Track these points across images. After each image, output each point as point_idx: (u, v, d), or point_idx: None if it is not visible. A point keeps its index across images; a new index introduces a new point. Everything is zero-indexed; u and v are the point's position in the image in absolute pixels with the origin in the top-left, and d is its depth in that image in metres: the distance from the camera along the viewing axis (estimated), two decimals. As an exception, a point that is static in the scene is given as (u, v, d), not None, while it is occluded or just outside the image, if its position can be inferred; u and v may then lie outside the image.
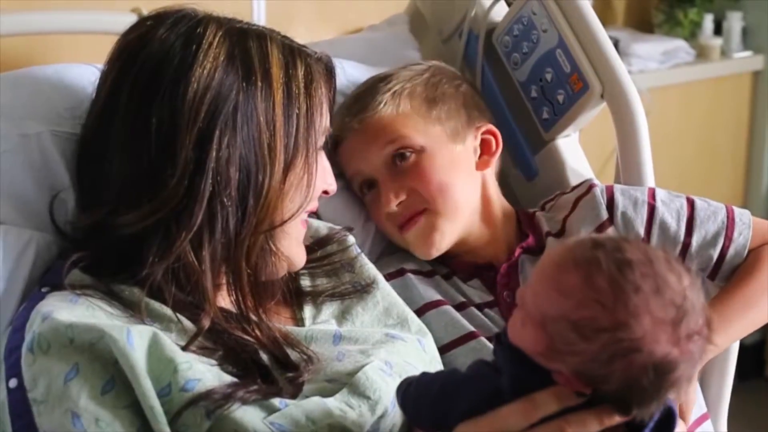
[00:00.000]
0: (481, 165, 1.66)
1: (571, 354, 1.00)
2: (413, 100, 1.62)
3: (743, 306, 1.51)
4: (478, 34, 1.87)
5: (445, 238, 1.59)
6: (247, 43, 1.26)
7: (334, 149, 1.61)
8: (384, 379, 1.23)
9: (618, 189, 1.61)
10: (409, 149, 1.58)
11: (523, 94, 1.82)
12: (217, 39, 1.24)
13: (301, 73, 1.29)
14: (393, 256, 1.68)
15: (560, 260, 1.04)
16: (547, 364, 1.04)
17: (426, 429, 1.15)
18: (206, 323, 1.20)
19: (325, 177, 1.36)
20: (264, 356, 1.23)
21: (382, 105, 1.60)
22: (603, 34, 1.69)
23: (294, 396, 1.19)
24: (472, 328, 1.51)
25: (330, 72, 1.37)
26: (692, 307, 1.01)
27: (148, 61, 1.23)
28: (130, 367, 1.09)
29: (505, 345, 1.08)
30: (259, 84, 1.24)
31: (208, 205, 1.19)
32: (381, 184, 1.60)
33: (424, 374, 1.17)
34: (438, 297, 1.58)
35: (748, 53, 3.32)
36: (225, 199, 1.20)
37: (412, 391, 1.14)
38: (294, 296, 1.40)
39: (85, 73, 1.41)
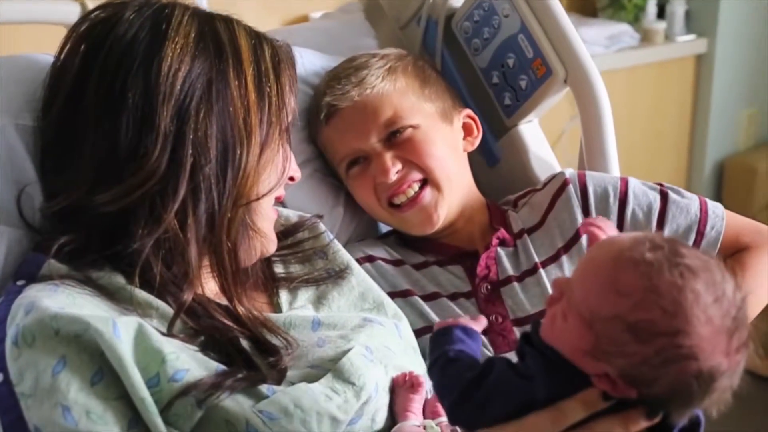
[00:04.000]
0: (466, 147, 1.69)
1: (620, 355, 0.98)
2: (407, 77, 1.64)
3: None
4: (437, 20, 1.86)
5: (443, 215, 1.61)
6: (214, 24, 1.29)
7: (326, 122, 1.62)
8: (366, 365, 1.24)
9: (590, 183, 1.62)
10: (405, 126, 1.59)
11: (484, 81, 1.82)
12: (185, 18, 1.27)
13: (268, 54, 1.31)
14: (360, 242, 1.69)
15: (617, 258, 1.00)
16: (588, 365, 1.01)
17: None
18: (189, 296, 1.21)
19: (290, 163, 1.37)
20: (244, 342, 1.23)
21: (380, 80, 1.61)
22: (565, 19, 1.70)
23: (279, 382, 1.19)
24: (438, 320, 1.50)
25: (292, 59, 1.38)
26: (744, 319, 1.00)
27: (117, 41, 1.23)
28: (118, 359, 1.07)
29: (539, 349, 1.05)
30: (231, 61, 1.26)
31: (191, 177, 1.21)
32: (376, 155, 1.60)
33: (461, 354, 1.11)
34: (406, 287, 1.58)
35: (691, 37, 3.37)
36: (207, 170, 1.22)
37: (446, 369, 1.10)
38: (269, 281, 1.41)
39: (45, 63, 1.37)
